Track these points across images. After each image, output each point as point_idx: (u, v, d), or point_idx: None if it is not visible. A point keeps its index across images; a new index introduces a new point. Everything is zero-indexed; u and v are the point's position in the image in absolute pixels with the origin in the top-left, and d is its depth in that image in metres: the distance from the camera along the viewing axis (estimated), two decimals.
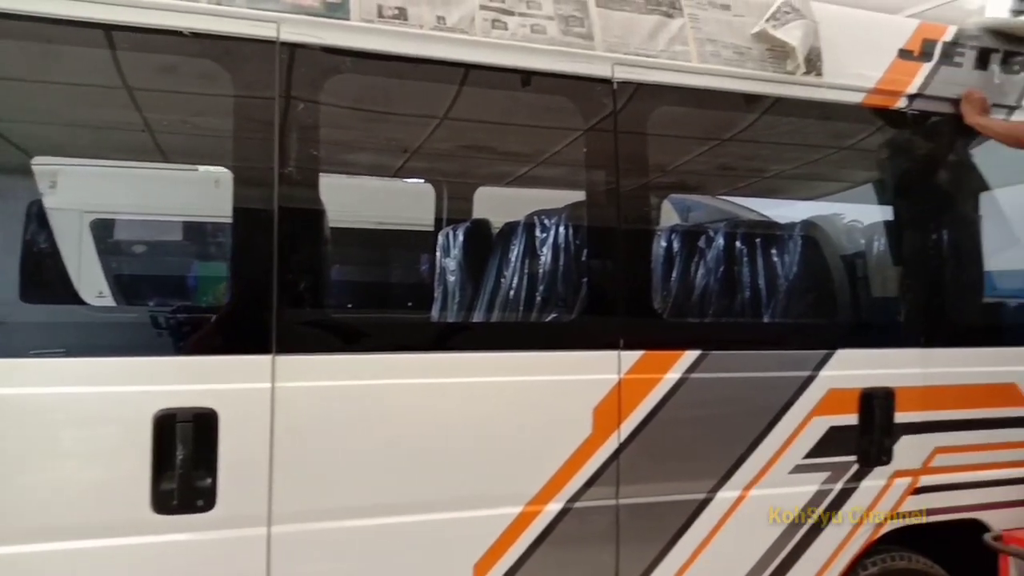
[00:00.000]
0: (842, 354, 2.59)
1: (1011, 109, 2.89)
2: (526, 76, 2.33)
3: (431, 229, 3.86)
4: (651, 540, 2.37)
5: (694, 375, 2.41)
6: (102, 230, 3.95)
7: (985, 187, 3.01)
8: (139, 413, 1.92)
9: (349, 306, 3.44)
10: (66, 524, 1.89)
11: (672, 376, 2.39)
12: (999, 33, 2.86)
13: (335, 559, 2.07)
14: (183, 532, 1.95)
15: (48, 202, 3.08)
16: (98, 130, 3.04)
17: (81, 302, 2.41)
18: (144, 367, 1.97)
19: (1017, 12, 2.96)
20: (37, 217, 2.84)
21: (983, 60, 2.84)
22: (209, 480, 1.96)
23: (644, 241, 2.57)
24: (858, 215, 3.50)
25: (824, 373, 2.55)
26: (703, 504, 2.41)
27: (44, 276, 2.80)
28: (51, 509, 1.88)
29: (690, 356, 2.41)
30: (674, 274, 3.30)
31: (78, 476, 1.92)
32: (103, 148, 3.32)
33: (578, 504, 2.28)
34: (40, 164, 2.86)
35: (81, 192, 3.96)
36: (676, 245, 3.37)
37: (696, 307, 3.17)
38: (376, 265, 3.86)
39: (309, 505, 2.06)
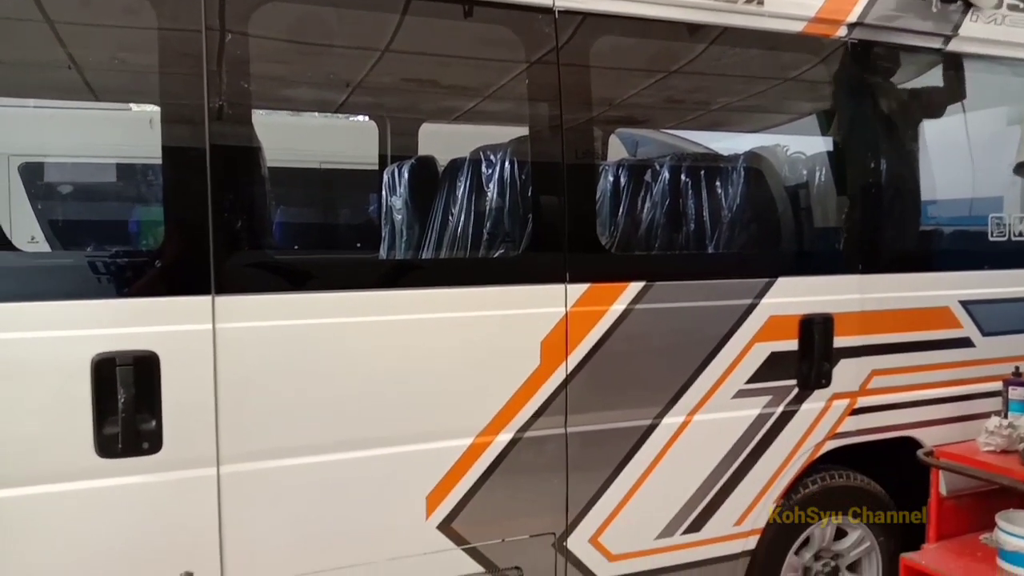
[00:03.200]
0: (783, 282, 2.65)
1: (947, 38, 2.92)
2: (468, 6, 2.28)
3: (375, 168, 3.79)
4: (599, 466, 2.43)
5: (639, 306, 2.44)
6: (32, 174, 3.79)
7: (924, 117, 3.07)
8: (77, 358, 1.88)
9: (292, 247, 3.38)
10: (12, 471, 1.86)
11: (617, 307, 2.42)
12: None
13: (288, 496, 2.09)
14: (130, 475, 1.94)
15: None
16: (21, 68, 2.89)
17: (11, 248, 2.32)
18: (80, 311, 1.92)
19: None
20: None
21: None
22: (154, 423, 1.94)
23: (589, 175, 2.57)
24: (801, 147, 3.54)
25: (766, 301, 2.61)
26: (649, 430, 2.48)
27: None
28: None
29: (635, 288, 2.44)
30: (621, 208, 3.31)
31: (21, 423, 1.87)
32: (27, 87, 3.16)
33: (528, 434, 2.32)
34: None
35: (7, 135, 3.78)
36: (623, 179, 3.37)
37: (642, 240, 3.20)
38: (320, 205, 3.79)
39: (258, 444, 2.06)
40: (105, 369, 1.89)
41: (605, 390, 2.43)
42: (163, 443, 1.95)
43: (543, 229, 2.40)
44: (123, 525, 1.95)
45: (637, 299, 2.44)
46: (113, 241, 3.51)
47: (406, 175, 3.42)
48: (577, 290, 2.37)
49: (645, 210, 3.25)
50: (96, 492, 1.92)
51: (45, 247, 3.67)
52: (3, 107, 3.64)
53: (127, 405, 1.91)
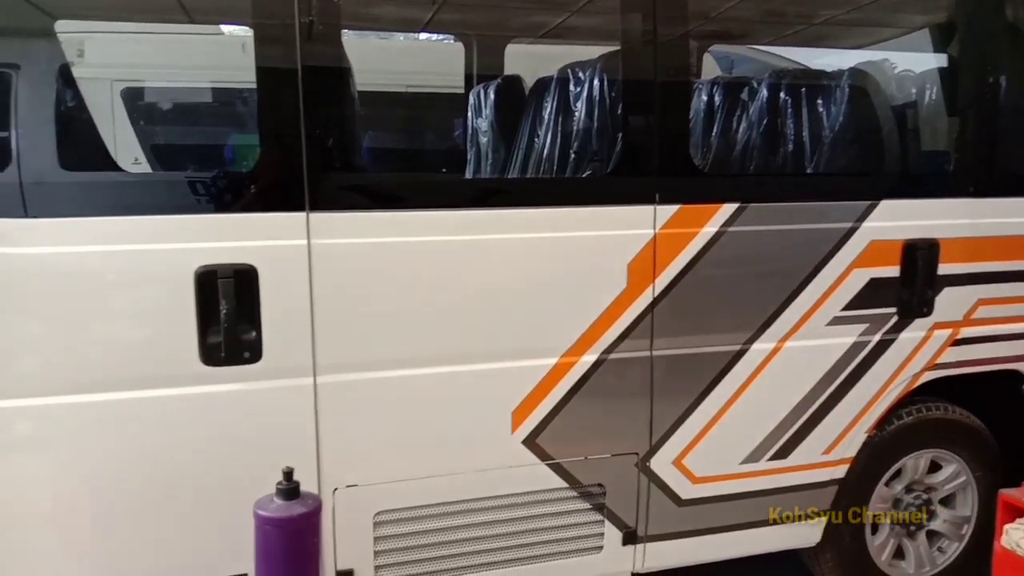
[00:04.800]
0: (887, 205, 2.51)
1: None
2: None
3: (461, 90, 3.75)
4: (685, 390, 2.42)
5: (732, 228, 2.37)
6: (133, 98, 3.92)
7: None
8: (181, 270, 1.97)
9: (381, 167, 3.40)
10: (124, 376, 1.98)
11: (709, 230, 2.35)
12: None
13: (380, 407, 2.16)
14: (233, 383, 2.04)
15: (78, 72, 3.03)
16: None
17: (118, 168, 2.42)
18: (182, 225, 1.99)
19: None
20: (68, 86, 2.80)
21: None
22: (254, 333, 2.02)
23: (682, 92, 2.47)
24: (910, 64, 3.31)
25: (867, 224, 2.49)
26: (738, 355, 2.44)
27: (80, 144, 2.79)
28: (109, 362, 1.97)
29: (728, 209, 2.37)
30: (715, 127, 3.19)
31: (133, 331, 1.99)
32: (124, 9, 3.24)
33: (612, 356, 2.32)
34: (66, 32, 2.79)
35: (109, 61, 3.91)
36: (718, 97, 3.23)
37: (737, 161, 3.08)
38: (407, 127, 3.80)
39: (351, 356, 2.12)
40: (207, 281, 1.98)
41: (693, 314, 2.39)
42: (263, 353, 2.04)
43: (633, 148, 2.34)
44: (225, 429, 2.06)
45: (730, 221, 2.37)
46: (211, 161, 3.62)
47: (492, 95, 3.37)
48: (667, 211, 2.32)
49: (741, 130, 3.12)
50: (201, 398, 2.03)
51: (147, 168, 3.84)
52: (106, 33, 3.75)
53: (229, 316, 1.99)
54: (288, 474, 1.20)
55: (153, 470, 2.03)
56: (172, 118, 4.00)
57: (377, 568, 2.23)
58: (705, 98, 3.28)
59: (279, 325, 2.05)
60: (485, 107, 3.43)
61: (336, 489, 2.16)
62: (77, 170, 2.23)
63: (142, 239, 1.97)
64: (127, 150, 3.78)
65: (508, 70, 3.62)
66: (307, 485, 2.08)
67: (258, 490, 2.10)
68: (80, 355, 1.95)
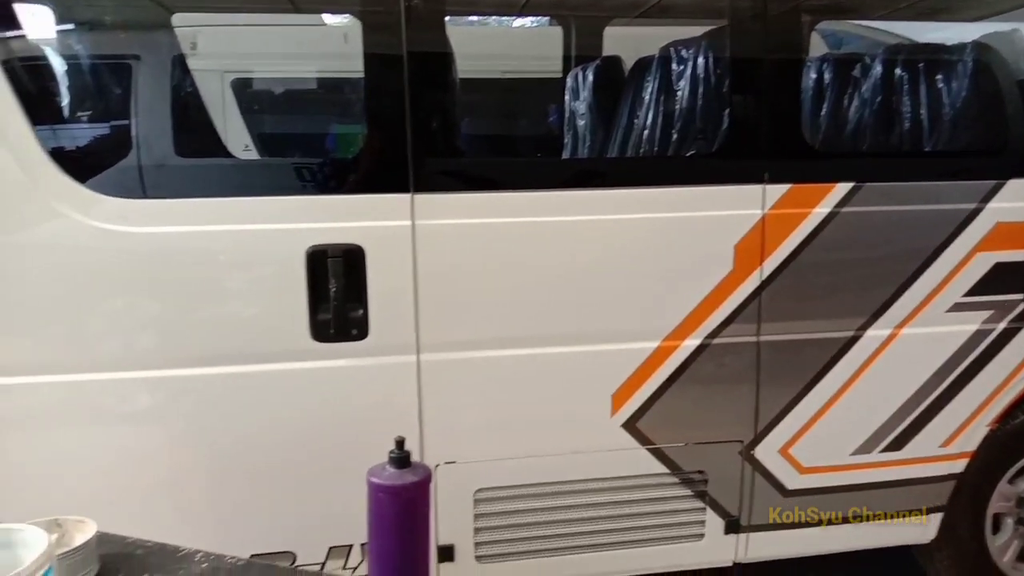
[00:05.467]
0: (1015, 184, 2.35)
1: None
2: None
3: (559, 75, 3.73)
4: (793, 376, 2.33)
5: (846, 209, 2.27)
6: (243, 88, 4.09)
7: None
8: (294, 249, 2.03)
9: (481, 149, 3.43)
10: (238, 351, 2.07)
11: (821, 210, 2.26)
12: None
13: (481, 386, 2.18)
14: (341, 359, 2.10)
15: (191, 64, 3.16)
16: None
17: (230, 155, 2.51)
18: (295, 206, 2.06)
19: None
20: (183, 76, 2.94)
21: None
22: (361, 311, 2.07)
23: (793, 68, 2.37)
24: None
25: (992, 205, 2.34)
26: (851, 342, 2.34)
27: (194, 132, 2.91)
28: (224, 337, 2.06)
29: (842, 189, 2.27)
30: (827, 104, 3.05)
31: (248, 307, 2.07)
32: (235, 1, 3.36)
33: (717, 340, 2.26)
34: (181, 25, 2.92)
35: (220, 53, 4.07)
36: (829, 74, 3.09)
37: (851, 139, 2.94)
38: (506, 112, 3.81)
39: (453, 335, 2.15)
40: (318, 260, 2.04)
41: (803, 298, 2.30)
42: (369, 330, 2.08)
43: (740, 126, 2.27)
44: (333, 403, 2.12)
45: (844, 201, 2.27)
46: (317, 147, 3.73)
47: (590, 77, 3.34)
48: (776, 191, 2.24)
49: (853, 108, 2.97)
50: (311, 372, 2.09)
51: (254, 155, 3.99)
52: (217, 26, 3.91)
53: (338, 294, 2.05)
54: (400, 443, 1.22)
55: (263, 441, 2.11)
56: (279, 107, 4.14)
57: (477, 544, 2.26)
58: (815, 76, 3.14)
59: (385, 303, 2.09)
60: (583, 89, 3.40)
61: (438, 465, 2.19)
62: (193, 156, 2.33)
63: (257, 220, 2.04)
64: (237, 138, 3.94)
65: (606, 52, 3.57)
66: None
67: (362, 464, 2.16)
68: (197, 330, 2.04)
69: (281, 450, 2.12)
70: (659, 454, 2.29)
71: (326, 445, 2.13)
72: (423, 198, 2.08)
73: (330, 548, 2.18)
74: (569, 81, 3.53)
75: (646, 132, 2.80)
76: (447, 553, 2.24)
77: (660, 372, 2.25)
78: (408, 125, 2.06)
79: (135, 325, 2.02)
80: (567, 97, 3.53)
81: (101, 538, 1.43)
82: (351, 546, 2.19)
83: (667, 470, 2.31)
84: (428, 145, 2.10)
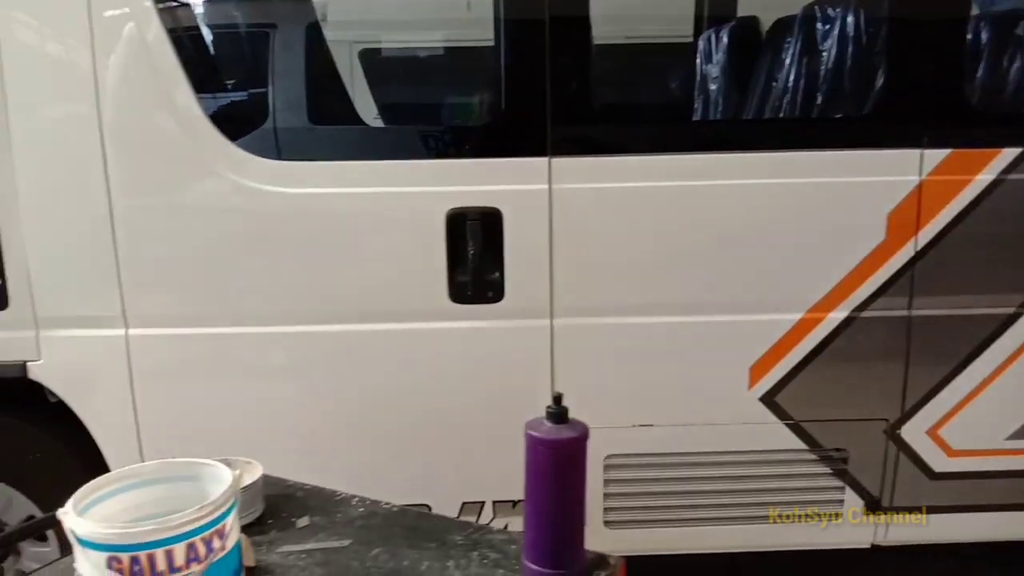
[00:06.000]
0: None
1: None
2: None
3: (689, 39, 3.62)
4: (946, 354, 2.19)
5: (1012, 176, 2.10)
6: (370, 58, 4.17)
7: None
8: (434, 212, 2.06)
9: (618, 112, 3.38)
10: (377, 309, 2.13)
11: (985, 177, 2.10)
12: None
13: (614, 352, 2.16)
14: (477, 320, 2.13)
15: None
16: None
17: (362, 123, 2.56)
18: (436, 169, 2.09)
19: None
20: (318, 48, 3.00)
21: None
22: (497, 274, 2.09)
23: (956, 27, 2.20)
24: None
25: None
26: (1010, 320, 2.17)
27: (328, 100, 2.99)
28: (364, 295, 2.12)
29: (1009, 154, 2.10)
30: (987, 66, 2.83)
31: (389, 268, 2.12)
32: None
33: (865, 313, 2.15)
34: None
35: (349, 23, 4.16)
36: (990, 34, 2.86)
37: (1017, 103, 2.72)
38: (640, 75, 3.73)
39: (587, 300, 2.13)
40: (457, 223, 2.06)
41: (961, 271, 2.15)
42: (505, 293, 2.10)
43: (897, 87, 2.13)
44: (467, 364, 2.16)
45: (1010, 168, 2.10)
46: (457, 113, 3.77)
47: (725, 39, 3.21)
48: (935, 156, 2.09)
49: (1015, 68, 2.74)
50: (448, 333, 2.13)
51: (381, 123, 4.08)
52: None
53: (476, 257, 2.07)
54: (557, 398, 1.22)
55: (399, 397, 2.17)
56: (406, 75, 4.21)
57: (606, 510, 2.26)
58: (976, 35, 2.91)
59: (520, 267, 2.10)
60: (716, 52, 3.28)
61: None
62: (339, 122, 2.40)
63: (400, 183, 2.08)
64: (365, 108, 4.02)
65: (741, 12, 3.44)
66: None
67: (495, 425, 2.20)
68: (340, 288, 2.12)
69: (416, 406, 2.17)
70: (797, 429, 2.22)
71: (460, 404, 2.18)
72: (560, 162, 2.07)
73: (463, 503, 2.23)
74: (701, 44, 3.41)
75: (788, 94, 2.68)
76: None
77: (802, 345, 2.16)
78: (548, 89, 2.05)
79: (282, 282, 2.11)
80: (698, 60, 3.42)
81: (264, 480, 1.51)
82: (483, 503, 2.24)
83: (805, 446, 2.23)
84: (566, 109, 2.08)
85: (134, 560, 1.02)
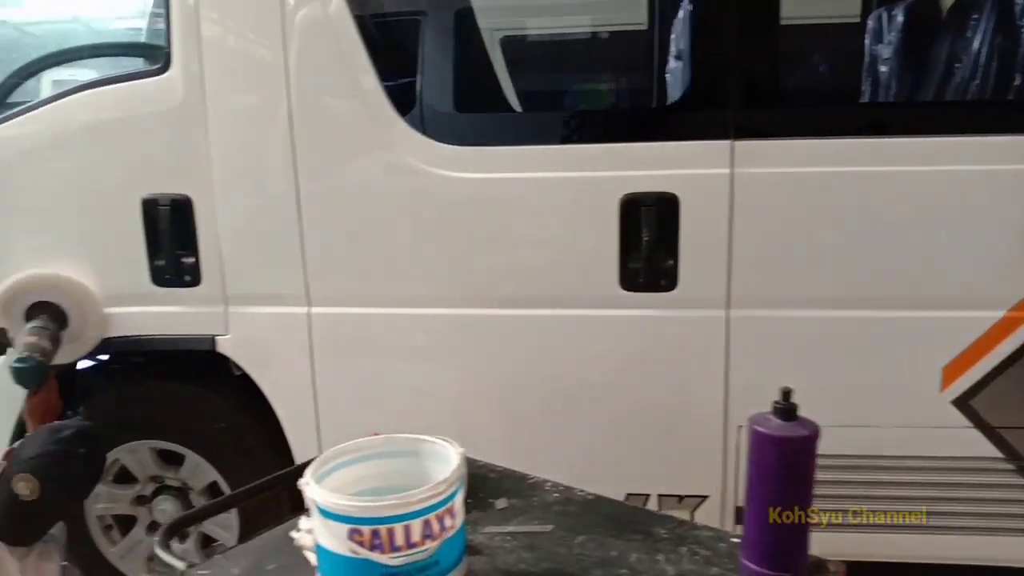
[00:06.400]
0: None
1: None
2: None
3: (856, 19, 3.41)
4: None
5: None
6: (511, 46, 4.16)
7: None
8: (608, 197, 2.02)
9: (802, 94, 3.25)
10: (546, 294, 2.12)
11: None
12: None
13: (794, 346, 2.06)
14: (647, 308, 2.07)
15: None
16: None
17: (512, 110, 2.54)
18: (610, 153, 2.05)
19: None
20: (466, 35, 3.00)
21: None
22: (671, 262, 2.03)
23: None
24: None
25: None
26: None
27: (477, 88, 2.98)
28: (532, 280, 2.11)
29: None
30: None
31: (556, 252, 2.10)
32: None
33: None
34: None
35: (492, 11, 4.17)
36: None
37: None
38: (817, 57, 3.57)
39: (767, 291, 2.04)
40: (631, 208, 2.01)
41: None
42: (678, 281, 2.04)
43: None
44: (636, 354, 2.11)
45: None
46: (632, 96, 3.72)
47: (900, 18, 3.01)
48: None
49: None
50: (617, 321, 2.09)
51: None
52: None
53: (649, 243, 2.02)
54: (787, 393, 1.16)
55: (565, 384, 2.15)
56: (550, 63, 4.18)
57: None
58: None
59: (696, 254, 2.03)
60: (889, 32, 3.08)
61: (741, 426, 2.12)
62: (514, 106, 2.38)
63: (574, 168, 2.06)
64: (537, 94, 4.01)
65: None
66: (712, 418, 2.13)
67: (663, 418, 2.16)
68: (508, 273, 2.12)
69: (582, 394, 2.15)
70: (995, 437, 2.05)
71: (627, 393, 2.14)
72: (744, 145, 1.98)
73: (627, 495, 2.19)
74: (871, 23, 3.21)
75: (979, 75, 2.48)
76: None
77: (1004, 346, 2.00)
78: (731, 70, 1.98)
79: (456, 266, 2.13)
80: (867, 40, 3.22)
81: None
82: (647, 496, 2.19)
83: (1003, 455, 2.06)
84: (750, 91, 2.00)
85: (375, 534, 1.04)
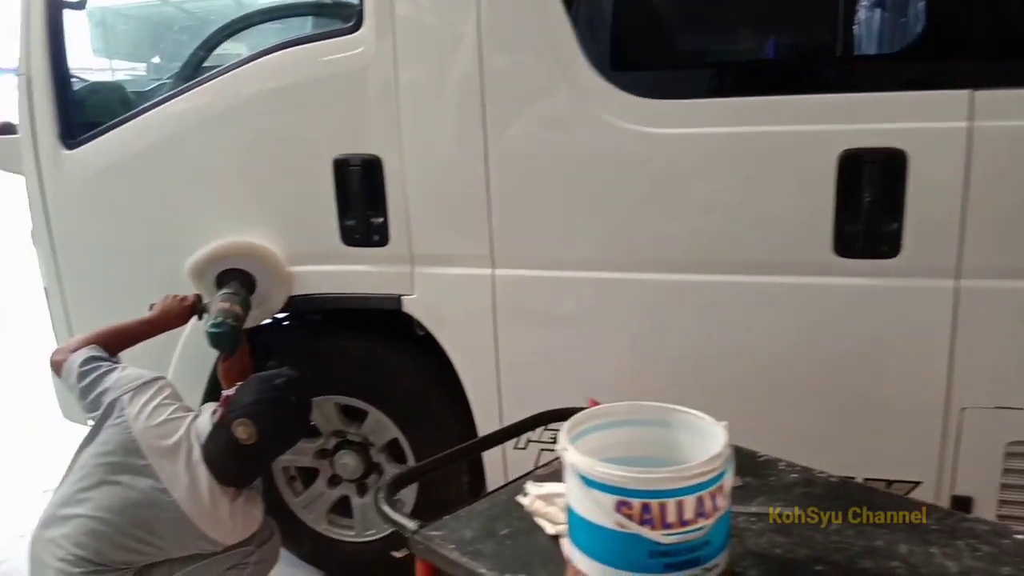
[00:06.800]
0: None
1: None
2: None
3: None
4: None
5: None
6: None
7: None
8: (824, 152, 1.85)
9: None
10: (756, 260, 1.97)
11: None
12: None
13: None
14: (864, 277, 1.90)
15: None
16: None
17: (713, 60, 2.36)
18: (828, 105, 1.87)
19: None
20: None
21: None
22: (895, 225, 1.84)
23: None
24: None
25: None
26: None
27: (676, 37, 2.75)
28: (743, 245, 1.97)
29: None
30: None
31: (761, 214, 1.95)
32: None
33: None
34: None
35: None
36: None
37: None
38: None
39: (1007, 260, 1.82)
40: (850, 165, 1.84)
41: None
42: (901, 247, 1.85)
43: None
44: (850, 325, 1.94)
45: None
46: (857, 40, 3.50)
47: None
48: None
49: None
50: (829, 289, 1.93)
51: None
52: None
53: (871, 204, 1.84)
54: None
55: (766, 356, 2.01)
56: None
57: (1001, 502, 1.96)
58: None
59: (924, 217, 1.83)
60: None
61: (965, 408, 1.92)
62: (717, 54, 2.24)
63: (786, 120, 1.89)
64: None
65: None
66: (933, 398, 1.93)
67: (876, 397, 1.98)
68: (707, 236, 1.99)
69: (786, 367, 2.00)
70: None
71: (836, 369, 1.97)
72: (987, 95, 1.76)
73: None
74: None
75: None
76: (963, 504, 1.98)
77: None
78: (973, 10, 1.77)
79: (650, 228, 2.02)
80: None
81: None
82: (852, 479, 2.03)
83: None
84: (994, 34, 1.77)
85: (645, 507, 0.96)
